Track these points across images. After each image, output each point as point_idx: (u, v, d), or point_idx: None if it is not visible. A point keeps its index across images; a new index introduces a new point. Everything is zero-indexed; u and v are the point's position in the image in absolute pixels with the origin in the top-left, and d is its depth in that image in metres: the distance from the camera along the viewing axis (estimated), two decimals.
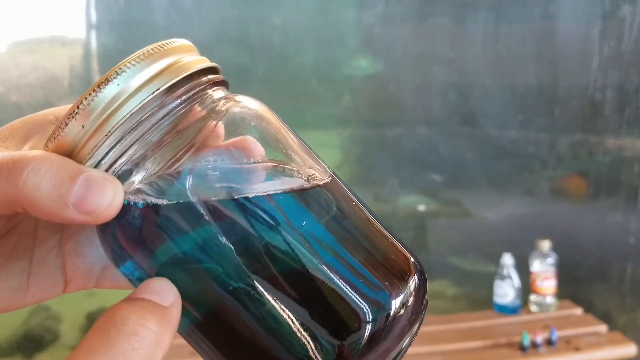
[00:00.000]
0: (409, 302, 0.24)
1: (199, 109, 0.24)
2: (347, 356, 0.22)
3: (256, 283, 0.22)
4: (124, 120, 0.22)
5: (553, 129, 2.13)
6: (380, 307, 0.23)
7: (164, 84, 0.23)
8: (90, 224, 0.22)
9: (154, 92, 0.23)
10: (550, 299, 1.66)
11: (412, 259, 0.26)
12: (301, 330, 0.22)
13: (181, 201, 0.23)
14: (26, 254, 0.26)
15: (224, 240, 0.23)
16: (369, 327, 0.23)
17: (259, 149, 0.24)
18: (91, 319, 2.05)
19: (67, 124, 0.22)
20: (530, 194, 2.18)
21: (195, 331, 0.24)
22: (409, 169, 2.20)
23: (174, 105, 0.23)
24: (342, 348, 0.22)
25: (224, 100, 0.25)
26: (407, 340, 0.25)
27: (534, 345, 1.44)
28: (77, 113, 0.22)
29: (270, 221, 0.23)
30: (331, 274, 0.23)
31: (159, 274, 0.23)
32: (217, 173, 0.24)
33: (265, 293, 0.22)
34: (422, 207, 2.19)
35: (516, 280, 1.64)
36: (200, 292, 0.23)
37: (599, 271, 2.04)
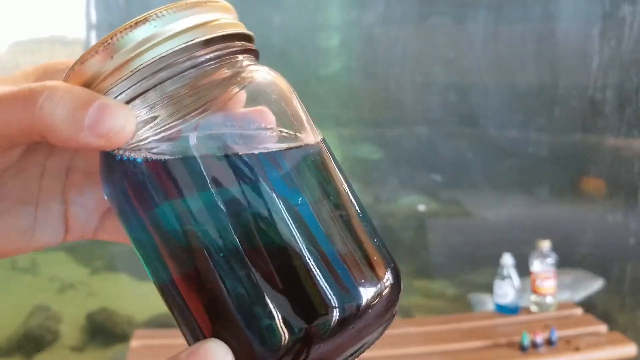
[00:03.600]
0: (380, 299, 0.24)
1: (226, 71, 0.24)
2: (311, 339, 0.22)
3: (238, 247, 0.22)
4: (152, 61, 0.22)
5: (553, 129, 2.13)
6: (351, 298, 0.23)
7: (199, 37, 0.23)
8: (105, 149, 0.22)
9: (187, 42, 0.23)
10: (550, 299, 1.66)
11: (391, 259, 0.26)
12: (272, 304, 0.22)
13: (180, 157, 0.23)
14: (32, 199, 0.27)
15: (215, 200, 0.23)
16: (337, 315, 0.22)
17: (272, 120, 0.24)
18: (91, 319, 2.05)
19: (92, 56, 0.22)
20: (531, 194, 2.18)
21: (173, 287, 0.24)
22: (409, 169, 2.20)
23: (202, 60, 0.23)
24: (308, 330, 0.22)
25: (251, 69, 0.25)
26: (369, 339, 0.25)
27: (534, 345, 1.44)
28: (108, 44, 0.22)
29: (258, 184, 0.23)
30: (311, 255, 0.23)
31: (152, 225, 0.23)
32: (224, 136, 0.24)
33: (245, 259, 0.22)
34: (422, 207, 2.19)
35: (516, 281, 1.64)
36: (185, 249, 0.23)
37: (599, 271, 2.04)
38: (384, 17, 2.08)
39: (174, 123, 0.23)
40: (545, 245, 1.68)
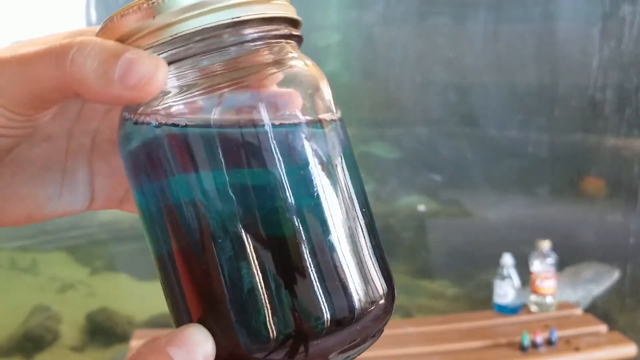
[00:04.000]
0: (375, 309, 0.24)
1: (267, 54, 0.23)
2: (300, 341, 0.22)
3: (242, 230, 0.22)
4: (194, 31, 0.22)
5: (553, 129, 2.13)
6: (347, 305, 0.23)
7: (247, 15, 0.22)
8: (137, 101, 0.22)
9: (235, 18, 0.22)
10: (550, 299, 1.66)
11: (388, 269, 0.25)
12: (267, 298, 0.22)
13: (200, 128, 0.22)
14: (59, 166, 0.27)
15: (226, 179, 0.22)
16: (329, 320, 0.22)
17: (299, 104, 0.24)
18: (91, 319, 2.05)
19: (133, 12, 0.22)
20: (531, 194, 2.18)
21: (171, 262, 0.23)
22: (409, 169, 2.20)
23: (247, 39, 0.23)
24: (298, 332, 0.22)
25: (291, 56, 0.24)
26: (360, 347, 0.24)
27: (534, 345, 1.44)
28: (153, 3, 0.21)
29: (272, 171, 0.22)
30: (316, 254, 0.22)
31: (160, 194, 0.23)
32: (248, 113, 0.23)
33: (247, 244, 0.22)
34: (422, 207, 2.19)
35: (516, 281, 1.64)
36: (189, 224, 0.22)
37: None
38: (384, 17, 2.08)
39: (201, 95, 0.22)
40: (545, 245, 1.68)
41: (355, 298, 0.23)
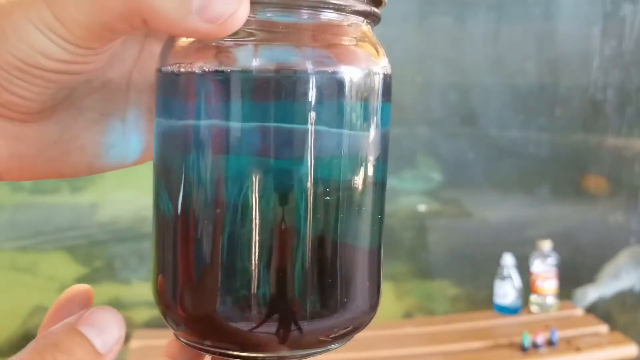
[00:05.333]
0: (353, 323, 0.24)
1: (338, 27, 0.23)
2: (281, 318, 0.22)
3: (253, 196, 0.21)
4: None
5: (554, 128, 2.13)
6: (333, 303, 0.23)
7: None
8: (214, 37, 0.20)
9: None
10: (550, 299, 1.66)
11: (380, 286, 0.25)
12: (258, 274, 0.22)
13: (238, 76, 0.22)
14: (120, 112, 0.26)
15: (250, 140, 0.21)
16: (313, 309, 0.22)
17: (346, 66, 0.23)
18: None
19: None
20: (531, 194, 2.18)
21: (170, 222, 0.23)
22: (409, 169, 2.20)
23: (322, 5, 0.22)
24: (279, 309, 0.22)
25: (363, 36, 0.24)
26: (330, 346, 0.24)
27: (535, 345, 1.44)
28: None
29: (298, 146, 0.21)
30: (316, 249, 0.22)
31: (183, 140, 0.22)
32: (290, 67, 0.22)
33: (255, 213, 0.21)
34: (422, 207, 2.19)
35: (517, 281, 1.64)
36: (204, 177, 0.22)
37: (600, 271, 2.03)
38: (384, 17, 2.07)
39: (249, 43, 0.22)
40: (546, 245, 1.67)
41: (342, 294, 0.23)
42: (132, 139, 0.27)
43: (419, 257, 2.21)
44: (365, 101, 0.23)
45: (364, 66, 0.23)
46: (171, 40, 0.24)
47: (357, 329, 0.24)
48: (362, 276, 0.24)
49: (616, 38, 1.97)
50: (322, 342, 0.23)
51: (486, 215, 2.20)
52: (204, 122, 0.22)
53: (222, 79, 0.22)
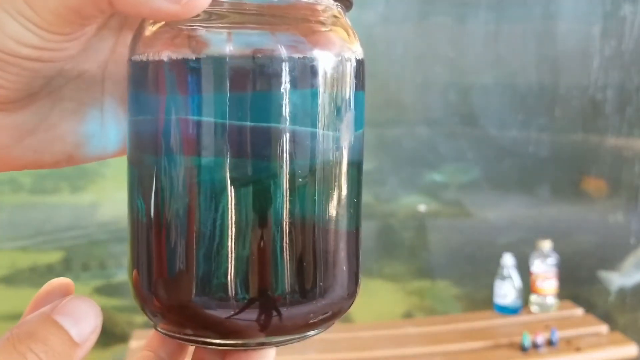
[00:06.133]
0: (328, 311, 0.23)
1: (309, 10, 0.23)
2: (258, 305, 0.22)
3: (227, 183, 0.21)
4: None
5: (554, 128, 2.13)
6: (311, 287, 0.22)
7: None
8: (179, 17, 0.20)
9: None
10: (550, 300, 1.66)
11: (358, 273, 0.25)
12: (236, 257, 0.21)
13: (210, 63, 0.21)
14: (97, 103, 0.26)
15: (229, 117, 0.21)
16: (290, 295, 0.22)
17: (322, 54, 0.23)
18: None
19: None
20: (531, 194, 2.18)
21: (143, 212, 0.23)
22: (409, 169, 2.20)
23: None
24: (257, 296, 0.21)
25: (334, 19, 0.24)
26: (308, 332, 0.24)
27: (535, 345, 1.44)
28: None
29: (273, 132, 0.21)
30: (292, 239, 0.22)
31: (156, 124, 0.22)
32: (266, 53, 0.21)
33: (231, 198, 0.21)
34: (422, 207, 2.19)
35: (517, 281, 1.64)
36: (177, 161, 0.22)
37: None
38: (384, 17, 2.07)
39: (227, 28, 0.21)
40: (546, 245, 1.67)
41: (319, 279, 0.22)
42: (110, 129, 0.27)
43: (419, 257, 2.21)
44: (339, 84, 0.23)
45: (336, 50, 0.23)
46: (141, 28, 0.24)
47: (336, 315, 0.24)
48: (339, 262, 0.23)
49: (616, 38, 1.97)
50: (301, 328, 0.23)
51: (486, 215, 2.20)
52: (174, 112, 0.22)
53: (194, 66, 0.21)
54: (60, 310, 0.20)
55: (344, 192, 0.24)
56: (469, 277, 2.09)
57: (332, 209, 0.23)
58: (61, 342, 0.20)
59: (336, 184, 0.23)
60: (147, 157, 0.23)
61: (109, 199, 2.11)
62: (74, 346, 0.20)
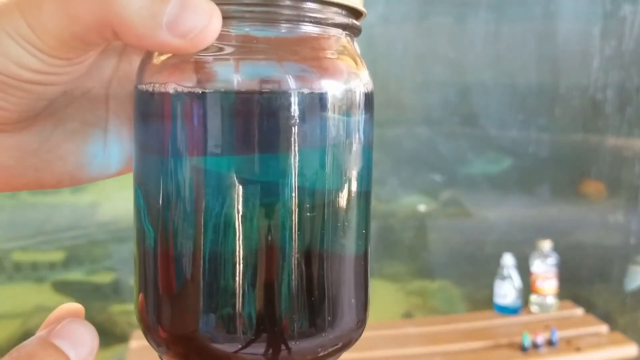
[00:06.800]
0: (335, 345, 0.23)
1: (318, 41, 0.22)
2: (266, 339, 0.21)
3: (235, 213, 0.21)
4: None
5: (554, 128, 2.13)
6: (320, 322, 0.22)
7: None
8: (184, 51, 0.20)
9: None
10: (551, 300, 1.66)
11: (367, 302, 0.25)
12: (240, 291, 0.21)
13: (218, 95, 0.21)
14: (101, 122, 0.26)
15: (237, 153, 0.21)
16: (300, 330, 0.22)
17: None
18: (91, 320, 2.05)
19: None
20: (531, 194, 2.18)
21: (149, 239, 0.22)
22: (409, 169, 2.20)
23: (302, 19, 0.21)
24: (260, 329, 0.21)
25: (344, 49, 0.23)
26: None
27: (535, 345, 1.44)
28: None
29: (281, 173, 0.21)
30: (303, 261, 0.22)
31: (161, 158, 0.22)
32: (274, 84, 0.21)
33: (239, 231, 0.21)
34: (422, 207, 2.19)
35: (517, 281, 1.64)
36: (185, 194, 0.21)
37: (600, 271, 2.03)
38: (384, 17, 2.07)
39: (234, 59, 0.21)
40: (546, 245, 1.67)
41: (329, 311, 0.22)
42: (114, 148, 0.27)
43: (419, 257, 2.21)
44: (348, 115, 0.23)
45: (345, 80, 0.23)
46: (148, 56, 0.23)
47: (346, 346, 0.24)
48: (348, 292, 0.23)
49: (616, 38, 1.97)
50: None
51: (486, 215, 2.20)
52: (180, 144, 0.21)
53: (200, 98, 0.21)
54: (57, 333, 0.21)
55: (353, 222, 0.23)
56: (469, 277, 2.09)
57: (341, 240, 0.23)
58: None
59: (345, 215, 0.23)
60: (153, 187, 0.22)
61: (109, 199, 2.12)
62: None
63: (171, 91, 0.21)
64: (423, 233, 2.19)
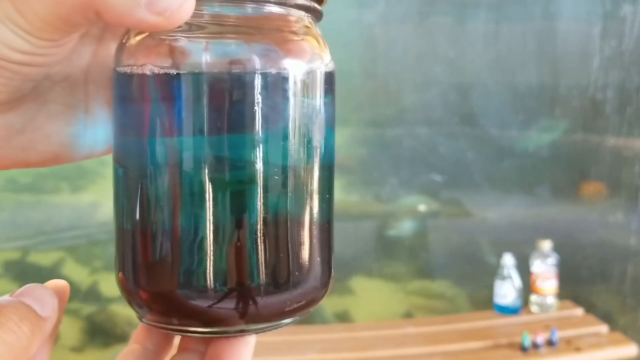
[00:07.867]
0: (304, 299, 0.25)
1: (282, 20, 0.24)
2: (238, 295, 0.23)
3: (209, 183, 0.23)
4: None
5: (554, 129, 2.13)
6: (285, 277, 0.24)
7: None
8: (161, 28, 0.22)
9: None
10: (551, 300, 1.66)
11: (331, 262, 0.27)
12: (215, 249, 0.23)
13: (189, 74, 0.23)
14: (81, 104, 0.28)
15: (208, 122, 0.23)
16: (265, 284, 0.23)
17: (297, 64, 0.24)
18: (91, 320, 2.05)
19: None
20: (531, 194, 2.18)
21: (127, 209, 0.25)
22: (409, 169, 2.20)
23: (267, 1, 0.23)
24: (236, 286, 0.23)
25: (307, 29, 0.25)
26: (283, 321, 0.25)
27: (535, 345, 1.44)
28: None
29: (248, 135, 0.23)
30: (270, 220, 0.23)
31: (139, 129, 0.23)
32: (241, 63, 0.23)
33: (211, 199, 0.23)
34: (422, 207, 2.19)
35: (517, 281, 1.64)
36: (160, 162, 0.23)
37: (600, 271, 2.03)
38: (384, 17, 2.07)
39: (207, 39, 0.23)
40: (546, 245, 1.67)
41: (293, 270, 0.24)
42: (97, 130, 0.28)
43: (419, 257, 2.21)
44: (310, 92, 0.25)
45: (308, 59, 0.25)
46: (124, 38, 0.25)
47: (310, 304, 0.26)
48: (312, 255, 0.25)
49: (616, 38, 1.97)
50: (277, 316, 0.25)
51: (486, 215, 2.20)
52: (156, 120, 0.23)
53: (175, 76, 0.23)
54: (21, 293, 0.23)
55: (315, 191, 0.25)
56: (469, 277, 2.09)
57: (305, 205, 0.25)
58: (30, 315, 0.22)
59: (309, 181, 0.25)
60: (131, 163, 0.24)
61: (109, 199, 2.11)
62: (41, 319, 0.23)
63: (147, 70, 0.23)
64: (423, 233, 2.19)
